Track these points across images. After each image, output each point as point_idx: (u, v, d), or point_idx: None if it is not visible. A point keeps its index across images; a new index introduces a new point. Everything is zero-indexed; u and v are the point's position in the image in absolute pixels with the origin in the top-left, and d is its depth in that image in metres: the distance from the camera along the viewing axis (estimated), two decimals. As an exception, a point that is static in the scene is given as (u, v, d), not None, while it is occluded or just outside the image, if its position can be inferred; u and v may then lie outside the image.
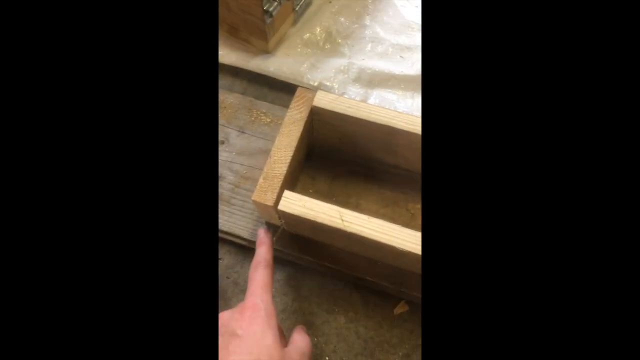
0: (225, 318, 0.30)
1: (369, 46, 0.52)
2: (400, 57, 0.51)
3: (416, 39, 0.53)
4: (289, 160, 0.35)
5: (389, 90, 0.50)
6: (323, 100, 0.37)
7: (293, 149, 0.35)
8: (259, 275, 0.32)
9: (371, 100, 0.49)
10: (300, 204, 0.32)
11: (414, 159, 0.41)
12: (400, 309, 0.41)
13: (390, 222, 0.32)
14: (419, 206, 0.43)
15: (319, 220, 0.32)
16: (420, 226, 0.42)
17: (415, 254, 0.32)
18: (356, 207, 0.43)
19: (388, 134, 0.37)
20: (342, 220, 0.32)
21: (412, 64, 0.51)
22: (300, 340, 0.32)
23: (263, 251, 0.34)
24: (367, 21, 0.54)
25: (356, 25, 0.54)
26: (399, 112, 0.36)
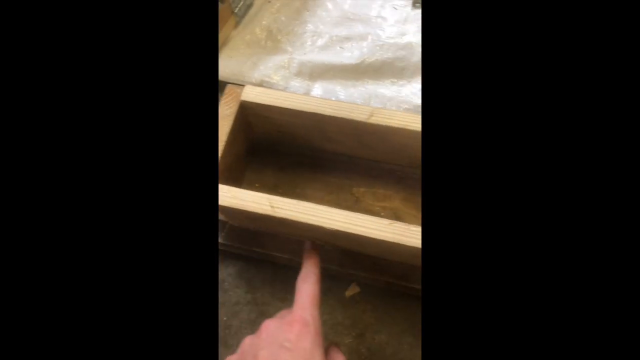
0: (271, 328, 0.29)
1: (310, 40, 0.53)
2: (340, 47, 0.53)
3: (355, 29, 0.54)
4: (219, 156, 0.36)
5: (330, 80, 0.51)
6: (250, 94, 0.38)
7: (223, 143, 0.36)
8: (309, 288, 0.31)
9: (314, 92, 0.50)
10: (229, 195, 0.33)
11: (351, 144, 0.42)
12: (352, 291, 0.42)
13: (335, 207, 0.33)
14: (363, 189, 0.44)
15: (249, 209, 0.33)
16: (364, 209, 0.43)
17: (345, 232, 0.33)
18: (302, 197, 0.44)
19: (318, 121, 0.38)
20: (272, 206, 0.33)
21: (352, 54, 0.52)
22: None
23: (312, 264, 0.33)
24: (307, 16, 0.55)
25: (296, 22, 0.55)
26: (324, 99, 0.37)
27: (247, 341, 0.30)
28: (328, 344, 0.30)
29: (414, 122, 0.37)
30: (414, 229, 0.32)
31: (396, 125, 0.37)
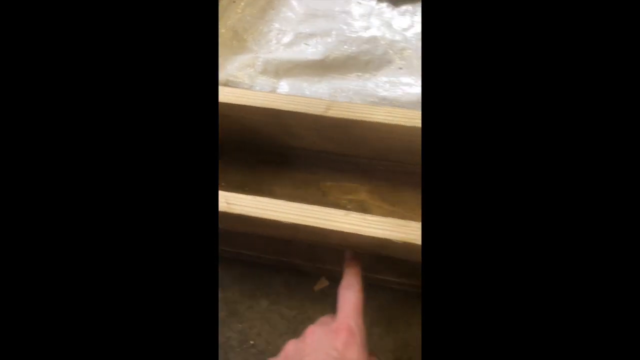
0: (317, 334, 0.29)
1: (275, 39, 0.54)
2: (305, 44, 0.53)
3: (319, 25, 0.54)
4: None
5: (296, 77, 0.51)
6: (207, 93, 0.38)
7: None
8: (354, 297, 0.31)
9: (280, 90, 0.50)
10: (186, 194, 0.33)
11: (314, 139, 0.42)
12: (321, 284, 0.42)
13: (303, 203, 0.33)
14: (330, 184, 0.44)
15: (206, 206, 0.33)
16: (331, 203, 0.43)
17: (302, 226, 0.33)
18: (269, 194, 0.44)
19: (277, 117, 0.38)
20: (227, 203, 0.33)
21: (317, 49, 0.52)
22: None
23: (354, 273, 0.33)
24: (272, 15, 0.55)
25: (261, 21, 0.55)
26: (280, 94, 0.38)
27: (291, 346, 0.29)
28: (368, 354, 0.30)
29: (372, 114, 0.37)
30: (370, 218, 0.32)
31: (354, 118, 0.37)
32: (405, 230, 0.31)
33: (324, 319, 0.31)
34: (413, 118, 0.36)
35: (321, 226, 0.32)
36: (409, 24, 0.53)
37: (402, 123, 0.36)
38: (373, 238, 0.32)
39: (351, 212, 0.32)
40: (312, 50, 0.52)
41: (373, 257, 0.40)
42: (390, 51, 0.51)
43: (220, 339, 0.40)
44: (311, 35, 0.53)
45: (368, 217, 0.32)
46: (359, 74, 0.51)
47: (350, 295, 0.31)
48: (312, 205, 0.33)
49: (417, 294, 0.40)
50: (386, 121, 0.36)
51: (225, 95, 0.38)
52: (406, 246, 0.31)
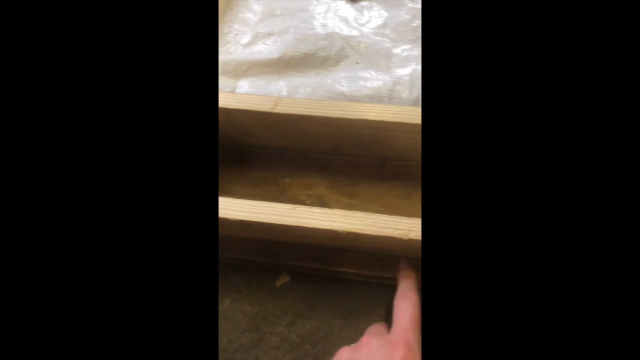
0: (374, 345, 0.28)
1: (233, 39, 0.54)
2: (263, 44, 0.53)
3: (277, 24, 0.54)
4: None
5: (255, 77, 0.51)
6: (155, 95, 0.38)
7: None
8: (410, 309, 0.31)
9: (240, 90, 0.51)
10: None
11: (268, 135, 0.42)
12: (282, 280, 0.42)
13: (262, 200, 0.33)
14: (288, 180, 0.44)
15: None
16: (290, 199, 0.44)
17: (249, 222, 0.33)
18: (228, 193, 0.44)
19: (228, 116, 0.39)
20: (176, 203, 0.33)
21: (275, 48, 0.52)
22: None
23: (410, 283, 0.33)
24: (231, 16, 0.56)
25: (220, 23, 0.55)
26: (228, 93, 0.38)
27: (345, 354, 0.29)
28: None
29: (319, 108, 0.37)
30: (316, 211, 0.33)
31: (302, 113, 0.37)
32: (350, 220, 0.32)
33: (376, 328, 0.30)
34: (360, 110, 0.37)
35: (269, 221, 0.32)
36: (366, 19, 0.54)
37: (349, 116, 0.36)
38: (320, 230, 0.32)
39: (298, 206, 0.33)
40: (270, 49, 0.52)
41: (330, 249, 0.41)
42: (347, 47, 0.52)
43: (183, 339, 0.40)
44: (269, 34, 0.53)
45: (315, 209, 0.33)
46: (318, 70, 0.51)
47: (406, 306, 0.31)
48: (260, 202, 0.33)
49: (378, 285, 0.41)
50: (333, 115, 0.37)
51: (176, 96, 0.38)
52: (351, 236, 0.32)
